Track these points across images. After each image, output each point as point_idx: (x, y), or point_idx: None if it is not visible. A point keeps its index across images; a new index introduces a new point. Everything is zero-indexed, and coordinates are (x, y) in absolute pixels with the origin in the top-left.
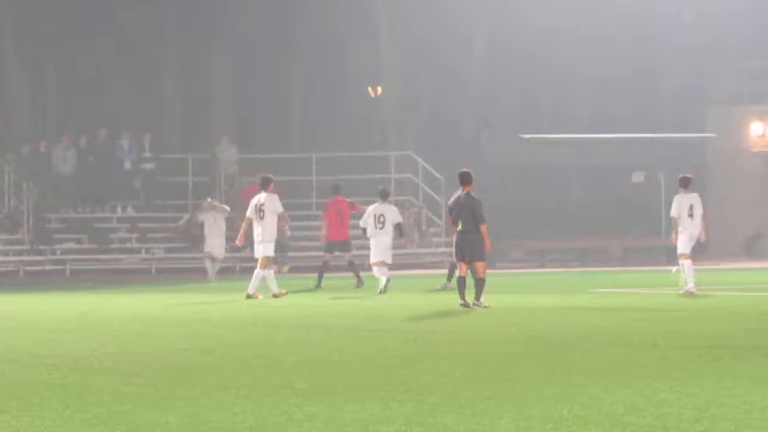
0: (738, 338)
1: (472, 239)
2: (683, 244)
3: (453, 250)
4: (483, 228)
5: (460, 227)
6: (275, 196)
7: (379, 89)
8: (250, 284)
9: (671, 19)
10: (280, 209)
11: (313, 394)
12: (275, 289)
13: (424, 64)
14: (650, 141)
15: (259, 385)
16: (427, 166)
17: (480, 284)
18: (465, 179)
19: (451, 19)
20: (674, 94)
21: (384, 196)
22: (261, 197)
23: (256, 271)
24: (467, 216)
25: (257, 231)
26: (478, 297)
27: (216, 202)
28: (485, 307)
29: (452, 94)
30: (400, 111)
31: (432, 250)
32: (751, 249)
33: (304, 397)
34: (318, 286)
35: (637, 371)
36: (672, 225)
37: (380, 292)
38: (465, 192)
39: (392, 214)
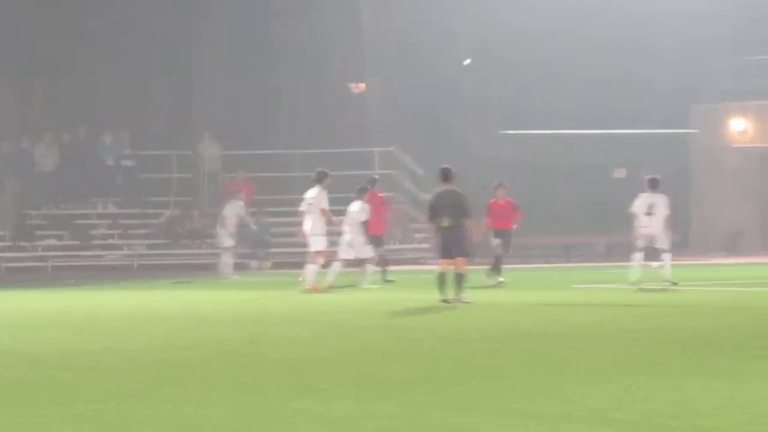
0: (720, 334)
1: (457, 235)
2: (637, 240)
3: (437, 246)
4: (468, 223)
5: (446, 223)
6: (324, 192)
7: (363, 85)
8: (306, 278)
9: (655, 18)
10: (324, 205)
11: (297, 390)
12: (311, 284)
13: (408, 60)
14: (634, 137)
15: (243, 382)
16: (410, 162)
17: (461, 280)
18: (447, 175)
19: (436, 16)
20: (658, 91)
21: (360, 193)
22: (312, 192)
23: (310, 265)
24: (454, 211)
25: (307, 225)
26: (459, 293)
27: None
28: (467, 303)
29: (436, 90)
30: (384, 107)
31: (415, 246)
32: (732, 245)
33: (288, 394)
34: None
35: (620, 367)
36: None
37: (362, 288)
38: (449, 188)
39: (361, 212)
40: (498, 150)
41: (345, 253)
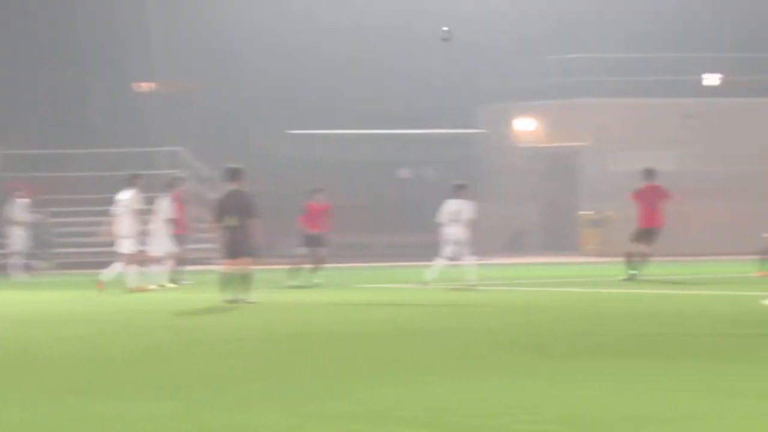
0: (507, 333)
1: (242, 235)
2: (444, 247)
3: (222, 246)
4: (254, 223)
5: (229, 223)
6: (139, 194)
7: (149, 85)
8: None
9: (442, 17)
10: (138, 207)
11: (76, 389)
12: (133, 284)
13: (196, 59)
14: (421, 137)
15: (23, 382)
16: (197, 162)
17: (247, 280)
18: (234, 175)
19: (226, 15)
20: (446, 91)
21: (167, 191)
22: (126, 194)
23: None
24: (238, 211)
25: (120, 226)
26: (244, 293)
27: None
28: (252, 303)
29: (224, 90)
30: (171, 107)
31: (201, 246)
32: (517, 244)
33: (67, 393)
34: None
35: (408, 366)
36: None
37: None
38: (235, 188)
39: (168, 210)
40: (282, 148)
41: (158, 250)
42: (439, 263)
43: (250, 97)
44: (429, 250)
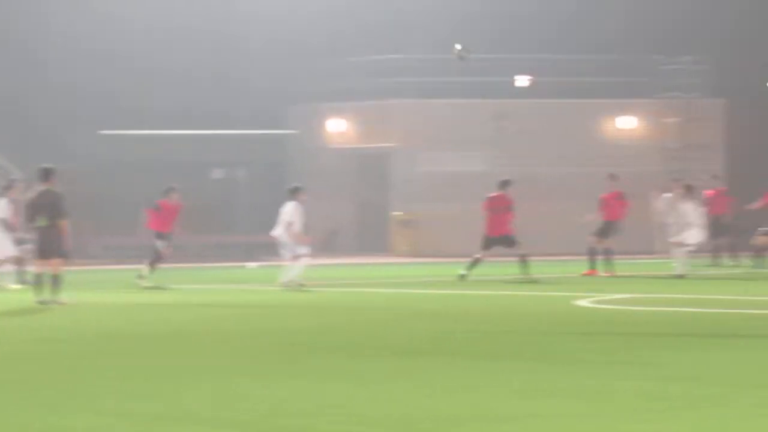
0: (320, 334)
1: (53, 235)
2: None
3: (35, 246)
4: (63, 224)
5: (40, 223)
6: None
7: None
8: None
9: (251, 17)
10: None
11: None
12: None
13: (4, 60)
14: (232, 138)
15: None
16: (6, 162)
17: (57, 281)
18: (46, 175)
19: (33, 16)
20: (255, 91)
21: (5, 192)
22: None
23: None
24: (48, 212)
25: None
26: (55, 294)
27: None
28: (63, 303)
29: (31, 87)
30: None
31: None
32: (329, 244)
33: None
34: None
35: (221, 367)
36: None
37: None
38: (46, 188)
39: (5, 209)
40: (94, 149)
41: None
42: (299, 263)
43: (61, 97)
44: (240, 251)
